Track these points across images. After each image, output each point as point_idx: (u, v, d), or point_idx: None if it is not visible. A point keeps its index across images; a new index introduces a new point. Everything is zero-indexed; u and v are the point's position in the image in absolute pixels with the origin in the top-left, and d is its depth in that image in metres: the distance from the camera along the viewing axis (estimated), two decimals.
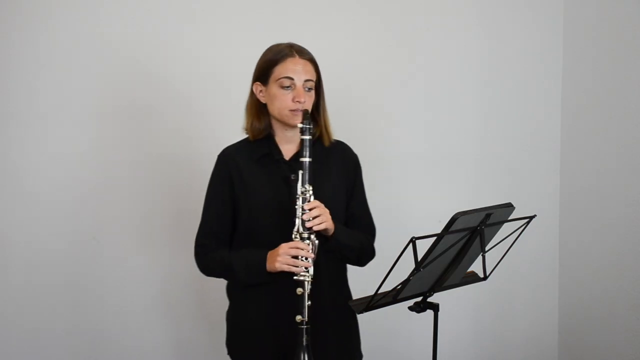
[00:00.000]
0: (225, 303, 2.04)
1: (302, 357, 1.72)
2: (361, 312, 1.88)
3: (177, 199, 2.65)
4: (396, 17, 2.96)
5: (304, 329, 1.74)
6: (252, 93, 1.93)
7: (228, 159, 1.92)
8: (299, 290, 1.75)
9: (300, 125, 1.80)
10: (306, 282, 1.75)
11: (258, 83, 1.90)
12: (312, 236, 1.77)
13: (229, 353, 2.00)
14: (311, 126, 1.80)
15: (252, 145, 1.93)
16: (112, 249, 2.62)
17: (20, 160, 2.50)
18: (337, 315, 1.95)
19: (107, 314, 2.63)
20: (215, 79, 2.66)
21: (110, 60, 2.57)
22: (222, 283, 2.03)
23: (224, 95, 2.62)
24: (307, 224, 1.76)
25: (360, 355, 2.05)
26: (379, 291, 1.82)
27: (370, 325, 2.74)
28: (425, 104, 3.04)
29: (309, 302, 1.75)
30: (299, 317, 1.74)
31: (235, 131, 1.99)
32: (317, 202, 1.78)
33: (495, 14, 3.12)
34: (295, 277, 1.75)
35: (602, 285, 3.01)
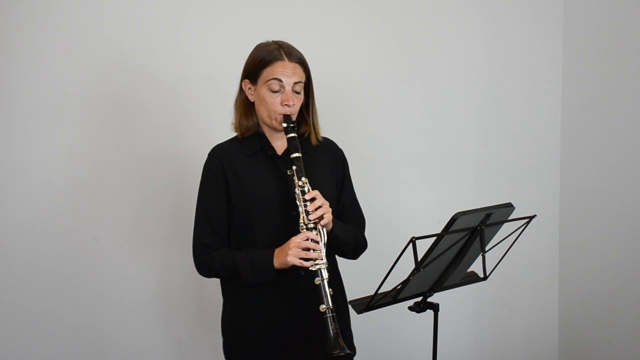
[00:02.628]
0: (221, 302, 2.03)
1: (336, 347, 1.67)
2: (361, 312, 1.88)
3: (173, 199, 2.65)
4: (396, 16, 2.96)
5: (330, 317, 1.69)
6: (241, 90, 1.93)
7: (220, 155, 1.91)
8: (317, 280, 1.73)
9: (284, 125, 1.83)
10: (322, 270, 1.73)
11: (247, 81, 1.90)
12: (319, 225, 1.77)
13: (228, 356, 1.98)
14: (294, 124, 1.83)
15: (242, 142, 1.93)
16: (109, 249, 2.62)
17: (17, 161, 2.50)
18: (336, 315, 1.94)
19: (105, 314, 2.62)
20: (208, 78, 2.66)
21: (103, 60, 2.56)
22: (219, 282, 2.02)
23: (218, 94, 2.62)
24: (311, 216, 1.75)
25: (354, 349, 2.04)
26: (379, 291, 1.82)
27: (371, 325, 2.75)
28: (425, 104, 3.04)
29: (330, 290, 1.73)
30: (322, 307, 1.70)
31: (226, 130, 1.99)
32: (317, 192, 1.79)
33: (496, 14, 3.12)
34: (310, 268, 1.74)
35: (602, 285, 3.01)
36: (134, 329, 2.66)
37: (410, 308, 1.99)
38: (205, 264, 1.90)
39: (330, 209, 1.80)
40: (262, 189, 1.87)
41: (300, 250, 1.74)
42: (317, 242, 1.75)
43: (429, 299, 1.97)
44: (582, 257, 3.15)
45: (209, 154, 1.94)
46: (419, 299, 1.97)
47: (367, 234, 2.05)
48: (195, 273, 1.96)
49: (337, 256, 2.03)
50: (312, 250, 1.74)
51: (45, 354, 2.56)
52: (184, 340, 2.73)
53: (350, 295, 2.00)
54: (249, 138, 1.92)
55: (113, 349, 2.64)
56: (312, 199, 1.77)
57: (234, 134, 1.98)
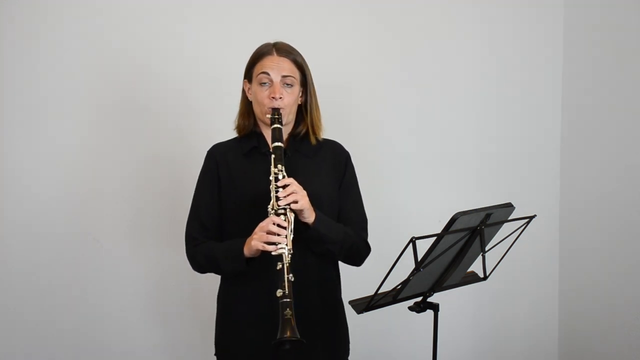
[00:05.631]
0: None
1: (285, 331, 1.58)
2: (361, 312, 1.88)
3: (174, 199, 2.65)
4: (395, 16, 2.96)
5: (286, 303, 1.62)
6: (243, 90, 1.98)
7: (216, 153, 1.95)
8: (279, 264, 1.68)
9: (268, 116, 1.84)
10: (284, 255, 1.68)
11: (245, 80, 1.95)
12: (288, 212, 1.74)
13: (217, 352, 1.99)
14: (279, 117, 1.83)
15: (241, 141, 1.96)
16: (107, 249, 2.62)
17: (18, 160, 2.50)
18: (326, 315, 1.94)
19: (104, 314, 2.62)
20: (209, 79, 2.66)
21: (103, 60, 2.56)
22: (215, 283, 2.03)
23: (218, 95, 2.62)
24: (281, 202, 1.72)
25: (347, 352, 2.03)
26: (379, 291, 1.82)
27: (370, 326, 2.75)
28: (425, 104, 3.04)
29: (290, 276, 1.66)
30: (279, 292, 1.63)
31: (230, 130, 2.00)
32: (291, 180, 1.76)
33: (496, 14, 3.12)
34: (273, 253, 1.70)
35: (602, 285, 3.01)
36: (130, 328, 2.67)
37: (410, 308, 1.99)
38: (192, 257, 1.93)
39: (306, 197, 1.77)
40: (253, 186, 1.87)
41: (264, 234, 1.71)
42: (284, 228, 1.71)
43: (429, 299, 1.97)
44: (582, 257, 3.15)
45: (207, 152, 1.99)
46: (419, 299, 1.97)
47: None
48: (192, 272, 1.97)
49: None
50: (277, 235, 1.69)
51: (42, 352, 2.56)
52: (181, 339, 2.73)
53: (351, 295, 1.99)
54: (246, 136, 1.96)
55: (111, 348, 2.64)
56: (285, 186, 1.74)
57: (233, 134, 2.00)
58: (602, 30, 2.99)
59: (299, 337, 1.58)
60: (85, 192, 2.58)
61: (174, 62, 2.64)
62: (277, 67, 1.86)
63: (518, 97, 3.19)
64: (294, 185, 1.76)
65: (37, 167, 2.51)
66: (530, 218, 1.97)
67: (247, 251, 1.78)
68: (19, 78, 2.48)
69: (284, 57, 1.88)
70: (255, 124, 1.96)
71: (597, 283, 3.04)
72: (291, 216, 1.74)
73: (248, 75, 1.93)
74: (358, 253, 1.97)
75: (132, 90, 2.61)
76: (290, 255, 1.69)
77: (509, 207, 1.90)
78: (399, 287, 1.84)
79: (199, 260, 1.91)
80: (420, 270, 1.76)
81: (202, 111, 2.68)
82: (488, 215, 1.83)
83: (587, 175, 3.10)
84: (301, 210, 1.76)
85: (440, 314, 1.98)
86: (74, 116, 2.55)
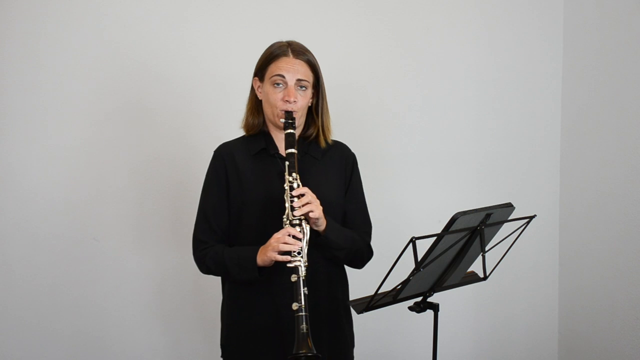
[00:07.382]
0: (220, 303, 2.03)
1: (302, 347, 1.60)
2: (361, 312, 1.88)
3: (174, 199, 2.65)
4: (397, 16, 2.96)
5: (302, 317, 1.64)
6: (252, 88, 1.95)
7: (224, 153, 1.93)
8: (293, 277, 1.68)
9: (282, 121, 1.82)
10: (300, 268, 1.68)
11: (256, 78, 1.92)
12: (303, 222, 1.74)
13: (223, 355, 1.98)
14: (293, 121, 1.82)
15: (248, 141, 1.94)
16: (109, 250, 2.62)
17: (20, 160, 2.50)
18: (333, 319, 1.94)
19: (104, 314, 2.63)
20: (213, 79, 2.66)
21: (107, 61, 2.57)
22: (217, 283, 2.03)
23: (222, 95, 2.63)
24: (296, 212, 1.72)
25: (352, 358, 2.03)
26: (379, 291, 1.82)
27: (371, 325, 2.75)
28: (425, 104, 3.04)
29: (305, 289, 1.67)
30: (295, 305, 1.65)
31: (232, 130, 1.99)
32: (306, 189, 1.76)
33: (496, 14, 3.12)
34: (288, 265, 1.70)
35: (602, 285, 3.01)
36: (133, 328, 2.67)
37: (410, 308, 1.99)
38: (200, 260, 1.91)
39: (320, 207, 1.77)
40: (262, 188, 1.86)
41: (280, 245, 1.70)
42: (299, 239, 1.71)
43: (429, 299, 1.97)
44: (582, 257, 3.15)
45: (214, 152, 1.96)
46: (419, 299, 1.97)
47: None
48: (194, 272, 1.97)
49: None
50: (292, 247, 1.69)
51: (44, 353, 2.56)
52: (183, 340, 2.73)
53: (351, 295, 1.99)
54: (254, 137, 1.94)
55: (112, 348, 2.64)
56: (300, 195, 1.73)
57: (236, 135, 1.99)
58: (602, 30, 2.98)
59: (315, 352, 1.60)
60: (86, 193, 2.58)
61: (176, 63, 2.64)
62: (293, 70, 1.83)
63: (518, 97, 3.19)
64: (309, 195, 1.75)
65: (38, 167, 2.51)
66: (530, 218, 1.97)
67: (260, 261, 1.77)
68: (19, 78, 2.48)
69: (299, 59, 1.85)
70: (264, 123, 1.94)
71: (597, 283, 3.04)
72: (306, 227, 1.74)
73: (260, 73, 1.89)
74: (361, 257, 1.98)
75: (133, 90, 2.61)
76: (305, 268, 1.70)
77: (509, 207, 1.90)
78: (399, 287, 1.84)
79: (208, 264, 1.88)
80: (420, 270, 1.76)
81: (204, 112, 2.68)
82: (488, 215, 1.83)
83: (587, 175, 3.10)
84: (315, 220, 1.76)
85: (440, 314, 1.98)
86: (74, 117, 2.55)
